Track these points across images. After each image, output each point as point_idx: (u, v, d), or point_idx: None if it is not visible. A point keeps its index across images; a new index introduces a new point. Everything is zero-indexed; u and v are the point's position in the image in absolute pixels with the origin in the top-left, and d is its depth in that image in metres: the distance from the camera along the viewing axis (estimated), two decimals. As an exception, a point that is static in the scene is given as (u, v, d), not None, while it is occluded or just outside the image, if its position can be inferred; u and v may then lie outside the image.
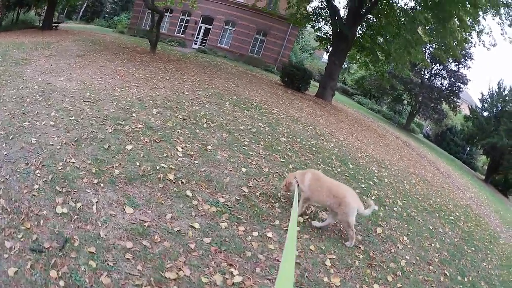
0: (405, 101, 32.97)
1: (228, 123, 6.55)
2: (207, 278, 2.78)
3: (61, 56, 10.52)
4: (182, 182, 4.10)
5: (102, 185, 3.72)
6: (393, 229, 4.74)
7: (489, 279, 4.91)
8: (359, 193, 5.02)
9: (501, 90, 25.86)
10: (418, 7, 14.97)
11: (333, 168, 6.25)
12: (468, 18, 13.49)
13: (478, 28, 14.25)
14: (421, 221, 5.57)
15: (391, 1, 15.90)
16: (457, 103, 28.12)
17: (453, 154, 31.53)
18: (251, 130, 6.52)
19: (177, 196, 3.80)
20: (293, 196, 2.95)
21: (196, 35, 28.63)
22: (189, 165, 4.57)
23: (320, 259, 3.39)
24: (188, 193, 3.89)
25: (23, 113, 5.51)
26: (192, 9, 25.09)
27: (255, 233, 3.50)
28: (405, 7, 16.03)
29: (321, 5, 19.02)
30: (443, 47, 16.23)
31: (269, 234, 3.54)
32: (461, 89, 27.48)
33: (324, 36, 20.27)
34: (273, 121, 7.66)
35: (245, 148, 5.61)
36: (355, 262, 3.57)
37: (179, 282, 2.70)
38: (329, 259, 3.44)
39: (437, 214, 6.46)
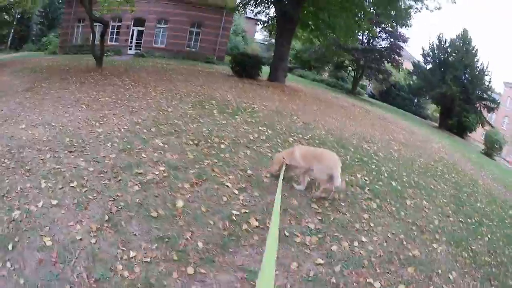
0: (350, 67, 35.18)
1: (237, 136, 6.58)
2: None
3: (7, 95, 9.62)
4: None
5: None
6: (414, 196, 5.68)
7: (487, 215, 6.12)
8: (378, 175, 6.03)
9: (442, 43, 28.95)
10: None
11: (345, 156, 6.79)
12: None
13: None
14: (423, 183, 6.64)
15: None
16: (399, 61, 30.62)
17: (402, 108, 34.59)
18: (261, 139, 6.76)
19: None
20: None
21: (130, 40, 27.96)
22: (255, 200, 4.26)
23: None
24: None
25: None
26: (122, 14, 24.32)
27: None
28: None
29: None
30: (391, 15, 17.61)
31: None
32: (401, 48, 29.88)
33: (266, 19, 21.12)
34: (266, 122, 8.07)
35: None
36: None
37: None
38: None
39: (428, 174, 7.57)
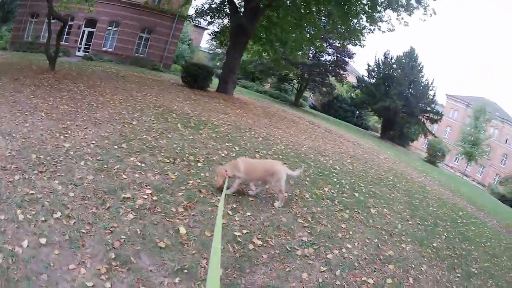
0: (294, 80, 36.85)
1: (209, 153, 6.67)
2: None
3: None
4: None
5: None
6: (375, 205, 6.33)
7: (440, 217, 7.22)
8: (341, 187, 6.64)
9: (388, 59, 31.67)
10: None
11: (308, 170, 7.25)
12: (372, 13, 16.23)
13: (379, 20, 16.86)
14: (380, 193, 7.38)
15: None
16: (344, 75, 32.68)
17: (344, 119, 37.06)
18: (231, 155, 6.89)
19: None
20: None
21: (79, 41, 26.98)
22: (250, 220, 4.43)
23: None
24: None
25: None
26: (75, 13, 23.71)
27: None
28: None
29: (218, 1, 20.12)
30: (345, 34, 18.80)
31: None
32: (347, 63, 31.94)
33: (218, 30, 21.52)
34: (230, 137, 8.28)
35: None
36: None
37: None
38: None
39: (382, 184, 8.39)
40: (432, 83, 32.38)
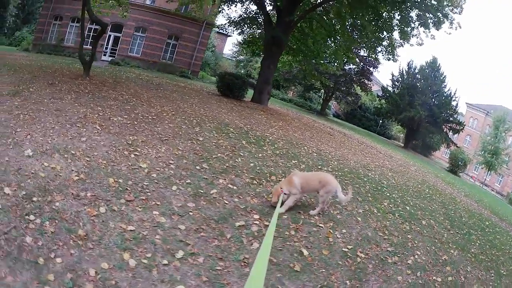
0: (322, 90, 38.11)
1: (284, 171, 6.96)
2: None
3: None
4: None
5: None
6: (423, 217, 7.39)
7: (471, 227, 8.55)
8: (395, 202, 7.77)
9: (411, 69, 32.78)
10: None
11: (365, 186, 8.13)
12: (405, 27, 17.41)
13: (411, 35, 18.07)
14: (423, 206, 8.45)
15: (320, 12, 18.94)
16: (368, 85, 33.94)
17: (367, 128, 38.72)
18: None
19: None
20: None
21: (105, 46, 28.01)
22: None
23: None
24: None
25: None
26: (101, 17, 24.11)
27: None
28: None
29: (253, 11, 21.27)
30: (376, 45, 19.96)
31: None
32: (371, 72, 33.28)
33: (250, 39, 22.60)
34: (291, 154, 8.85)
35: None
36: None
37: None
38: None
39: (421, 196, 9.47)
40: (455, 93, 33.53)
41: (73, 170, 4.63)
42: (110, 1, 16.26)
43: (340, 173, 8.50)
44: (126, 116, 8.14)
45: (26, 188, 3.91)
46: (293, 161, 8.21)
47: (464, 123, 35.37)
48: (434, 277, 4.81)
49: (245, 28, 22.37)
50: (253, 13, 21.38)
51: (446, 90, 33.81)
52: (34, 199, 3.74)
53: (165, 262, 3.23)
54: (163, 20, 28.26)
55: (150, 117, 8.66)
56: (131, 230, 3.55)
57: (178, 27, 28.81)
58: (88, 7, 12.97)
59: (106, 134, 6.49)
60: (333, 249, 4.47)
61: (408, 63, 34.77)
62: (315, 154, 9.97)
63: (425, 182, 12.61)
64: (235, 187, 5.41)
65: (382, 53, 19.91)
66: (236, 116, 12.36)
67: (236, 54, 47.72)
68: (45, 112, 7.13)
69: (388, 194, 8.20)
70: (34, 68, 13.81)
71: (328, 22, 18.56)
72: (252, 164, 6.80)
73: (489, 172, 39.91)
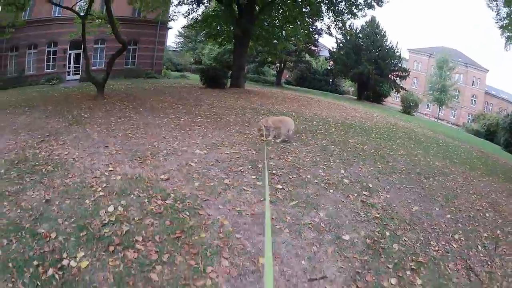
0: (277, 64, 43.19)
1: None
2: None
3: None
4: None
5: None
6: (403, 150, 12.86)
7: (437, 144, 13.88)
8: (392, 140, 13.20)
9: (353, 30, 38.88)
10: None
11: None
12: None
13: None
14: (391, 134, 13.74)
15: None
16: (315, 51, 40.11)
17: (319, 89, 44.84)
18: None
19: None
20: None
21: (67, 65, 29.13)
22: None
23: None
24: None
25: None
26: (57, 37, 26.26)
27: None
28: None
29: (218, 9, 25.03)
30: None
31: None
32: (317, 40, 38.50)
33: (217, 34, 26.50)
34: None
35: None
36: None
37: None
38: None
39: (390, 130, 14.80)
40: (396, 45, 40.19)
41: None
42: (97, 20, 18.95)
43: (345, 127, 13.41)
44: (190, 132, 9.50)
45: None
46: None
47: (409, 69, 41.79)
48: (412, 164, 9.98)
49: (213, 25, 25.27)
50: (218, 10, 25.07)
51: (388, 43, 40.13)
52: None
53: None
54: (120, 28, 30.09)
55: (199, 133, 9.44)
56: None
57: (135, 32, 30.81)
58: (115, 31, 14.78)
59: (214, 152, 7.67)
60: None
61: (349, 26, 40.46)
62: (317, 117, 15.04)
63: (388, 122, 17.99)
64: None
65: (336, 29, 25.41)
66: (243, 100, 17.36)
67: (181, 45, 51.39)
68: (150, 126, 9.77)
69: (371, 131, 13.40)
70: (46, 99, 15.56)
71: (284, 9, 23.55)
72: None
73: (441, 107, 47.11)
